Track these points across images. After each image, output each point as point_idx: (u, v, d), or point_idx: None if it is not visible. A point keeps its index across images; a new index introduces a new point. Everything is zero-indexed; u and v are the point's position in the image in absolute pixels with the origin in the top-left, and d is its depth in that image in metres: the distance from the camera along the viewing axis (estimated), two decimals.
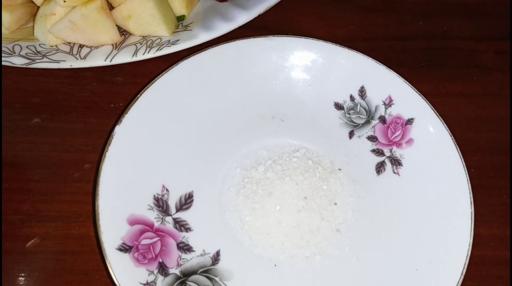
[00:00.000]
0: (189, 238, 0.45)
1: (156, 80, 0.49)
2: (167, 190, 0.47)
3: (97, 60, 0.51)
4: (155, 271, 0.42)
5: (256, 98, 0.52)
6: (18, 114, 0.53)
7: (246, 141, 0.51)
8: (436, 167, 0.47)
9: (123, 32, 0.54)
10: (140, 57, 0.51)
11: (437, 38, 0.60)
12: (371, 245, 0.45)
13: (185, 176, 0.48)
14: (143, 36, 0.53)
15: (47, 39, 0.52)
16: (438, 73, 0.58)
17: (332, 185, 0.48)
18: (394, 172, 0.49)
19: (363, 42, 0.60)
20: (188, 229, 0.45)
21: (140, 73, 0.55)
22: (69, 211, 0.48)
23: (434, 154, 0.48)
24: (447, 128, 0.48)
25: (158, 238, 0.44)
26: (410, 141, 0.49)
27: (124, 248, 0.42)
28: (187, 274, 0.43)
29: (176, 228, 0.45)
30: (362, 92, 0.51)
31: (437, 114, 0.48)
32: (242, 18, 0.54)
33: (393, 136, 0.50)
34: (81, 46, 0.52)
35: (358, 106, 0.51)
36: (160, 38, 0.53)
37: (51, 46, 0.52)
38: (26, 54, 0.51)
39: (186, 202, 0.47)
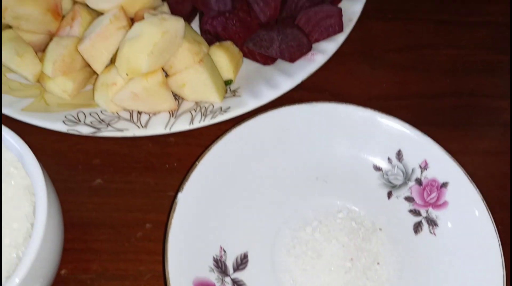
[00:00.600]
0: None
1: (211, 148, 0.53)
2: (224, 251, 0.52)
3: (157, 128, 0.55)
4: None
5: (301, 161, 0.56)
6: (80, 176, 0.58)
7: (293, 202, 0.55)
8: (469, 228, 0.52)
9: (177, 97, 0.58)
10: (196, 125, 0.55)
11: (464, 96, 0.65)
12: None
13: (240, 237, 0.52)
14: (196, 102, 0.58)
15: (108, 106, 0.56)
16: (466, 131, 0.62)
17: (374, 245, 0.52)
18: (431, 232, 0.53)
19: (395, 100, 0.64)
20: None
21: (191, 134, 0.60)
22: (135, 270, 0.53)
23: (467, 216, 0.52)
24: (479, 191, 0.52)
25: None
26: (445, 203, 0.54)
27: None
28: None
29: None
30: (399, 155, 0.56)
31: (469, 178, 0.52)
32: (287, 85, 0.58)
33: (429, 198, 0.54)
34: (139, 112, 0.57)
35: (396, 168, 0.56)
36: (212, 104, 0.57)
37: (112, 113, 0.57)
38: (91, 122, 0.55)
39: (242, 262, 0.52)
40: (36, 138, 0.57)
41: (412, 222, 0.54)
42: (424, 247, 0.53)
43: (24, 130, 0.55)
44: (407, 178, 0.56)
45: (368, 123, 0.56)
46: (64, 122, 0.55)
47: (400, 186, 0.56)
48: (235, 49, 0.61)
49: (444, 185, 0.54)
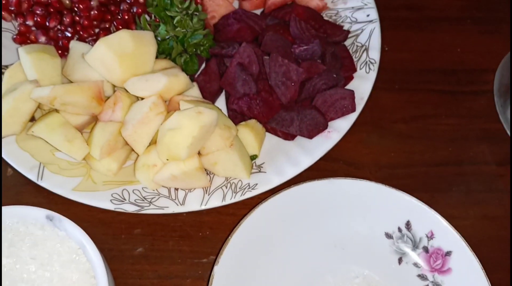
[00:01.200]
0: None
1: (241, 223, 0.60)
2: None
3: (193, 205, 0.62)
4: None
5: (321, 230, 0.64)
6: (124, 244, 0.65)
7: (314, 269, 0.62)
8: None
9: (208, 172, 0.66)
10: (228, 201, 0.63)
11: (464, 164, 0.72)
12: None
13: None
14: (226, 177, 0.65)
15: (149, 185, 0.63)
16: (467, 197, 0.69)
17: None
18: None
19: (403, 168, 0.71)
20: None
21: None
22: None
23: (468, 280, 0.59)
24: (478, 259, 0.59)
25: None
26: (449, 269, 0.61)
27: None
28: None
29: None
30: (408, 225, 0.63)
31: (470, 248, 0.59)
32: (306, 162, 0.66)
33: (435, 264, 0.61)
34: (176, 189, 0.64)
35: (405, 236, 0.63)
36: (240, 180, 0.64)
37: (153, 190, 0.64)
38: (135, 200, 0.62)
39: None
40: (83, 209, 0.65)
41: None
42: None
43: (72, 203, 0.63)
44: (415, 246, 0.63)
45: (380, 197, 0.63)
46: (111, 201, 0.62)
47: (409, 253, 0.63)
48: (259, 127, 0.68)
49: (448, 253, 0.61)
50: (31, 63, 0.66)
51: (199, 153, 0.65)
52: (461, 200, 0.69)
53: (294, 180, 0.64)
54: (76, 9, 0.76)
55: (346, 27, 0.77)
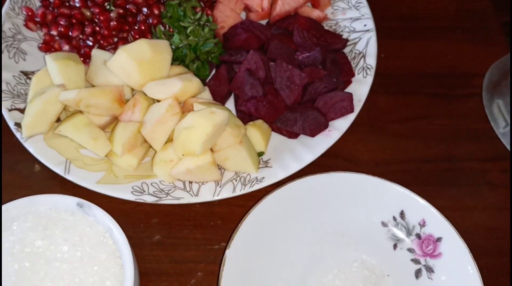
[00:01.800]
0: None
1: (250, 212, 0.66)
2: None
3: (206, 196, 0.69)
4: None
5: (323, 220, 0.70)
6: (142, 232, 0.71)
7: (317, 254, 0.68)
8: (459, 274, 0.64)
9: (220, 167, 0.72)
10: (238, 193, 0.69)
11: (455, 160, 0.78)
12: None
13: (277, 284, 0.65)
14: (236, 172, 0.71)
15: (166, 178, 0.70)
16: (457, 190, 0.75)
17: None
18: (429, 278, 0.66)
19: (397, 164, 0.78)
20: None
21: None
22: None
23: (457, 263, 0.65)
24: (466, 244, 0.65)
25: None
26: (439, 254, 0.66)
27: None
28: None
29: None
30: (402, 214, 0.69)
31: (459, 234, 0.65)
32: (309, 158, 0.72)
33: (427, 249, 0.67)
34: (190, 182, 0.70)
35: (399, 225, 0.69)
36: (249, 174, 0.71)
37: (170, 183, 0.70)
38: (153, 192, 0.69)
39: None
40: (104, 201, 0.71)
41: (413, 269, 0.67)
42: None
43: (95, 195, 0.69)
44: (409, 233, 0.68)
45: (377, 189, 0.69)
46: (132, 192, 0.68)
47: (403, 239, 0.69)
48: (265, 126, 0.75)
49: (439, 239, 0.66)
50: (57, 69, 0.72)
51: (211, 150, 0.71)
52: (450, 192, 0.75)
53: (297, 174, 0.70)
54: (96, 20, 0.83)
55: (345, 36, 0.84)
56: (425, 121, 0.81)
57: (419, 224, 0.68)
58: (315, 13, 0.85)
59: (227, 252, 0.63)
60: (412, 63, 0.87)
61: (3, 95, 0.75)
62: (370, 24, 0.83)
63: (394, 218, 0.69)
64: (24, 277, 0.55)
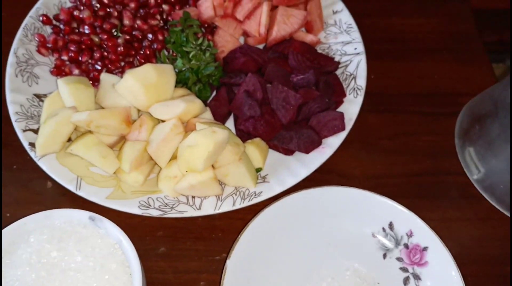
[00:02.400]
0: None
1: (249, 224, 0.71)
2: None
3: (208, 210, 0.74)
4: None
5: (317, 231, 0.74)
6: (148, 245, 0.76)
7: (312, 263, 0.73)
8: (444, 280, 0.69)
9: (221, 183, 0.77)
10: (237, 206, 0.74)
11: (441, 174, 0.83)
12: None
13: None
14: (236, 187, 0.76)
15: (171, 193, 0.75)
16: (443, 202, 0.80)
17: None
18: (416, 285, 0.71)
19: (387, 178, 0.83)
20: None
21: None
22: None
23: (442, 271, 0.70)
24: (450, 253, 0.69)
25: None
26: (426, 262, 0.71)
27: None
28: None
29: None
30: (391, 226, 0.73)
31: (443, 243, 0.70)
32: (303, 173, 0.77)
33: (414, 258, 0.72)
34: (193, 197, 0.75)
35: (389, 235, 0.74)
36: (248, 189, 0.76)
37: (174, 198, 0.75)
38: (159, 206, 0.74)
39: None
40: (113, 215, 0.75)
41: (402, 277, 0.72)
42: None
43: (104, 210, 0.74)
44: (397, 242, 0.73)
45: (367, 202, 0.74)
46: (139, 207, 0.73)
47: (393, 249, 0.73)
48: (263, 144, 0.80)
49: (425, 249, 0.71)
50: (69, 92, 0.78)
51: (213, 166, 0.76)
52: (437, 205, 0.80)
53: (293, 189, 0.75)
54: (104, 45, 0.89)
55: (337, 58, 0.90)
56: (413, 138, 0.87)
57: (407, 234, 0.73)
58: (309, 38, 0.91)
59: (228, 262, 0.68)
60: (400, 83, 0.92)
61: (17, 117, 0.81)
62: (360, 47, 0.89)
63: (384, 229, 0.74)
64: (41, 285, 0.60)
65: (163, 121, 0.78)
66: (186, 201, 0.75)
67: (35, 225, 0.64)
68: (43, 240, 0.63)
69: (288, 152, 0.80)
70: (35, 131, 0.81)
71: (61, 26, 0.91)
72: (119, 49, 0.88)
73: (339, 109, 0.83)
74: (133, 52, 0.90)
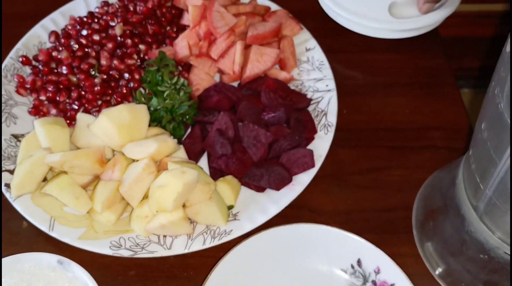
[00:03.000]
0: None
1: (218, 263, 0.72)
2: None
3: (179, 249, 0.75)
4: None
5: (286, 268, 0.75)
6: (120, 284, 0.77)
7: None
8: None
9: (192, 221, 0.78)
10: (208, 245, 0.75)
11: (410, 209, 0.84)
12: None
13: None
14: (207, 225, 0.77)
15: (143, 233, 0.76)
16: (411, 237, 0.81)
17: None
18: None
19: (357, 213, 0.84)
20: None
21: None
22: None
23: None
24: None
25: None
26: None
27: None
28: None
29: None
30: (359, 263, 0.74)
31: (409, 280, 0.71)
32: (274, 210, 0.78)
33: None
34: (165, 236, 0.76)
35: (357, 272, 0.75)
36: (218, 227, 0.77)
37: (145, 237, 0.76)
38: (130, 246, 0.75)
39: None
40: (87, 254, 0.76)
41: None
42: None
43: (78, 250, 0.75)
44: (365, 280, 0.74)
45: (336, 238, 0.75)
46: (110, 247, 0.74)
47: (361, 285, 0.74)
48: (235, 181, 0.81)
49: (392, 285, 0.72)
50: (44, 133, 0.80)
51: (184, 205, 0.77)
52: (407, 239, 0.81)
53: (265, 226, 0.76)
54: (82, 85, 0.91)
55: (309, 95, 0.92)
56: (384, 172, 0.88)
57: (375, 271, 0.74)
58: (282, 75, 0.93)
59: None
60: (372, 118, 0.94)
61: None
62: (332, 84, 0.91)
63: (352, 266, 0.75)
64: None
65: (136, 160, 0.80)
66: (157, 241, 0.76)
67: (5, 269, 0.65)
68: (12, 284, 0.64)
69: (260, 189, 0.82)
70: (11, 172, 0.82)
71: (40, 66, 0.94)
72: (96, 88, 0.90)
73: (311, 146, 0.85)
74: (110, 91, 0.92)
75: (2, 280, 0.64)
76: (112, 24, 0.97)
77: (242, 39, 0.94)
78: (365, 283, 0.74)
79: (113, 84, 0.92)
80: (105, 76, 0.92)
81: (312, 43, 0.97)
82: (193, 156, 0.85)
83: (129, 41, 0.94)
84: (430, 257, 0.76)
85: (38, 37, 0.98)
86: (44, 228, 0.76)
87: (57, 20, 1.00)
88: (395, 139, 0.92)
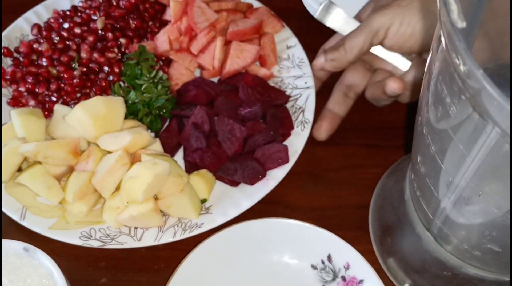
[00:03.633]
0: None
1: (187, 257, 0.72)
2: None
3: (148, 241, 0.75)
4: None
5: (257, 262, 0.75)
6: (91, 275, 0.77)
7: None
8: None
9: (164, 214, 0.78)
10: (178, 237, 0.75)
11: None
12: None
13: None
14: (179, 218, 0.77)
15: (113, 224, 0.76)
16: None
17: None
18: None
19: (331, 210, 0.84)
20: None
21: (175, 241, 0.78)
22: None
23: None
24: None
25: None
26: None
27: None
28: None
29: None
30: (329, 258, 0.74)
31: (378, 277, 0.71)
32: (246, 204, 0.78)
33: None
34: (136, 228, 0.76)
35: (327, 268, 0.74)
36: (190, 220, 0.77)
37: (116, 228, 0.76)
38: (100, 237, 0.75)
39: None
40: (58, 245, 0.76)
41: None
42: None
43: (50, 240, 0.74)
44: (335, 275, 0.74)
45: (307, 234, 0.74)
46: (80, 237, 0.74)
47: (331, 281, 0.74)
48: (209, 175, 0.81)
49: (361, 281, 0.72)
50: (20, 123, 0.80)
51: (156, 198, 0.77)
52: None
53: (238, 220, 0.76)
54: (61, 77, 0.91)
55: (288, 92, 0.92)
56: (360, 170, 0.88)
57: (344, 267, 0.73)
58: (262, 71, 0.93)
59: None
60: (350, 117, 0.93)
61: None
62: (310, 81, 0.91)
63: (323, 262, 0.75)
64: None
65: (111, 152, 0.80)
66: (128, 232, 0.76)
67: None
68: None
69: (234, 183, 0.81)
70: None
71: (21, 58, 0.94)
72: (74, 81, 0.90)
73: (287, 141, 0.85)
74: (89, 84, 0.92)
75: None
76: (95, 18, 0.97)
77: (223, 35, 0.94)
78: (334, 278, 0.74)
79: (92, 77, 0.92)
80: (84, 69, 0.92)
81: (293, 40, 0.97)
82: (169, 150, 0.85)
83: (110, 34, 0.94)
84: (395, 272, 0.75)
85: (20, 29, 0.99)
86: (15, 217, 0.76)
87: (40, 13, 1.00)
88: (373, 137, 0.92)
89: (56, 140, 0.80)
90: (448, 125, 0.47)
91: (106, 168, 0.76)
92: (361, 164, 0.89)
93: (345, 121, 0.94)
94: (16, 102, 0.90)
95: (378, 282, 0.70)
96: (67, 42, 0.94)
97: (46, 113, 0.89)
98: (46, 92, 0.91)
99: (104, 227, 0.76)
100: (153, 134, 0.88)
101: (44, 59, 0.92)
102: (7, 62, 0.95)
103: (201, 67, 0.95)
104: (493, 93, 0.35)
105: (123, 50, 0.95)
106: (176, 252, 0.78)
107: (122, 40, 0.95)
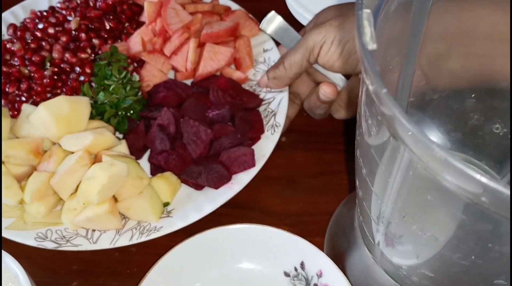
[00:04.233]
0: None
1: (157, 262, 0.69)
2: None
3: (104, 244, 0.72)
4: None
5: (229, 269, 0.72)
6: (62, 279, 0.75)
7: None
8: None
9: (124, 216, 0.75)
10: (135, 241, 0.72)
11: None
12: None
13: None
14: (138, 221, 0.75)
15: (71, 226, 0.73)
16: None
17: None
18: None
19: (308, 216, 0.80)
20: None
21: (148, 244, 0.74)
22: None
23: None
24: None
25: None
26: None
27: None
28: None
29: None
30: (302, 265, 0.71)
31: (351, 284, 0.67)
32: (209, 208, 0.75)
33: None
34: (93, 230, 0.74)
35: (300, 275, 0.71)
36: (150, 223, 0.74)
37: (73, 230, 0.74)
38: (55, 239, 0.72)
39: None
40: (29, 248, 0.73)
41: None
42: None
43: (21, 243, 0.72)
44: (308, 283, 0.70)
45: (281, 240, 0.71)
46: (35, 238, 0.72)
47: None
48: (174, 178, 0.78)
49: None
50: None
51: (116, 200, 0.75)
52: None
53: (213, 225, 0.72)
54: (33, 77, 0.90)
55: (262, 95, 0.89)
56: (338, 176, 0.85)
57: (317, 274, 0.70)
58: (237, 74, 0.91)
59: None
60: (330, 121, 0.90)
61: None
62: None
63: (296, 269, 0.71)
64: None
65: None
66: (84, 235, 0.73)
67: None
68: None
69: (198, 187, 0.79)
70: None
71: None
72: (45, 81, 0.89)
73: (256, 145, 0.82)
74: (60, 84, 0.90)
75: None
76: (70, 18, 0.96)
77: (197, 37, 0.92)
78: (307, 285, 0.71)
79: (63, 77, 0.91)
80: (56, 69, 0.90)
81: (270, 44, 0.95)
82: (136, 152, 0.82)
83: (83, 35, 0.93)
84: None
85: None
86: None
87: (17, 13, 1.00)
88: (352, 143, 0.89)
89: (18, 139, 0.78)
90: (372, 147, 0.47)
91: (66, 168, 0.74)
92: (340, 170, 0.85)
93: (324, 126, 0.91)
94: None
95: None
96: (42, 42, 0.93)
97: (16, 113, 0.88)
98: (17, 92, 0.90)
99: (61, 228, 0.74)
100: (121, 136, 0.86)
101: (16, 59, 0.91)
102: None
103: (175, 69, 0.93)
104: (395, 113, 0.34)
105: (96, 51, 0.94)
106: (149, 256, 0.75)
107: (96, 41, 0.93)
